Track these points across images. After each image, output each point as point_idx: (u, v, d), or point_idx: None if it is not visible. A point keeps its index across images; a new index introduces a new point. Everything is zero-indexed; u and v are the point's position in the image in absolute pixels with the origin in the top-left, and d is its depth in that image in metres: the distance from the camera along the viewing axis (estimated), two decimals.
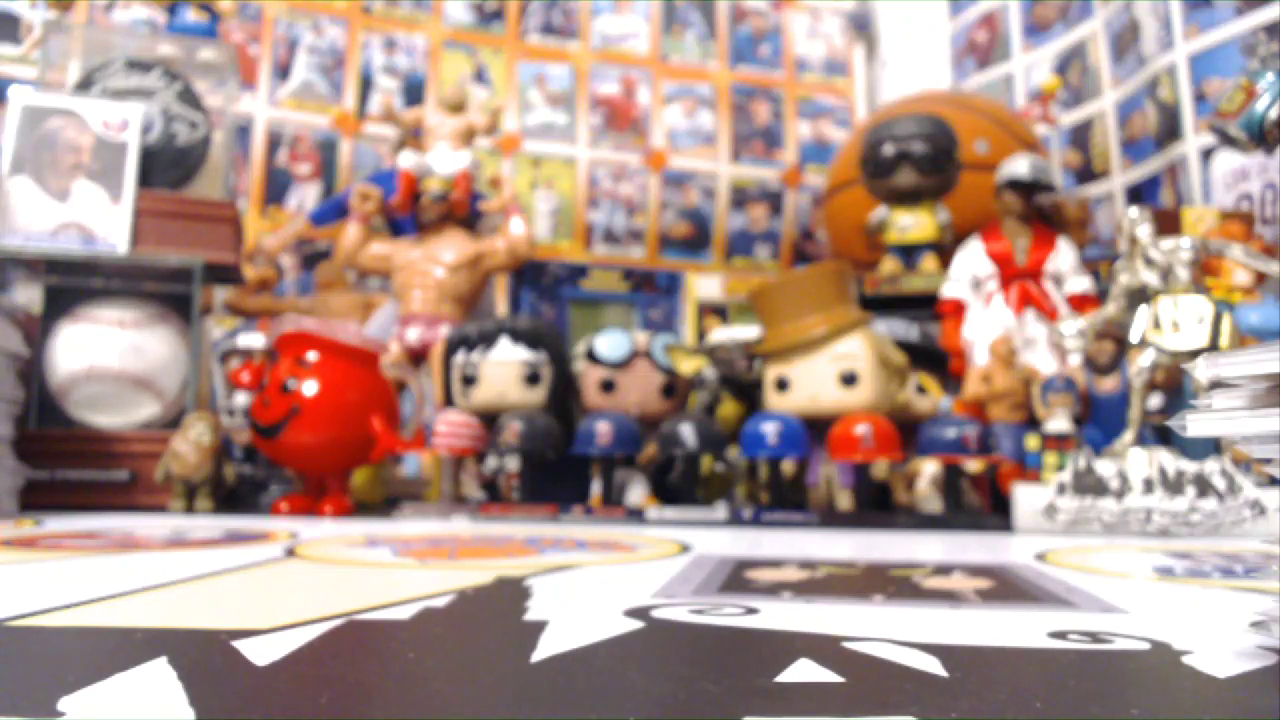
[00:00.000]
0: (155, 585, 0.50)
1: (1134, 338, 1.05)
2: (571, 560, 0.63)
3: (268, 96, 2.03)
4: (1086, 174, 2.07)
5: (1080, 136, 2.09)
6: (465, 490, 1.32)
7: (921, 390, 1.25)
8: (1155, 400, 1.27)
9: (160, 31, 1.89)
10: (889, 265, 1.73)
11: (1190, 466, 0.95)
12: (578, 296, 2.11)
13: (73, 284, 1.23)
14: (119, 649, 0.34)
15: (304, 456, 1.14)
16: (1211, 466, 0.95)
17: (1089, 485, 0.98)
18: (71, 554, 0.65)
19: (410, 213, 1.72)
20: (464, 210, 1.73)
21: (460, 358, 1.28)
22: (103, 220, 1.21)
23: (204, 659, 0.31)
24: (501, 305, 2.02)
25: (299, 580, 0.54)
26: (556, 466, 1.19)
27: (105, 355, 1.18)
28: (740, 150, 2.37)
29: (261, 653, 0.32)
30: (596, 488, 1.21)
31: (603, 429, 1.15)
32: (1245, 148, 0.96)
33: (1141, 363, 1.04)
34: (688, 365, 1.29)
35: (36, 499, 1.09)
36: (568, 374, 1.30)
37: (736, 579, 0.55)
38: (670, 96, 2.35)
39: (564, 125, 2.26)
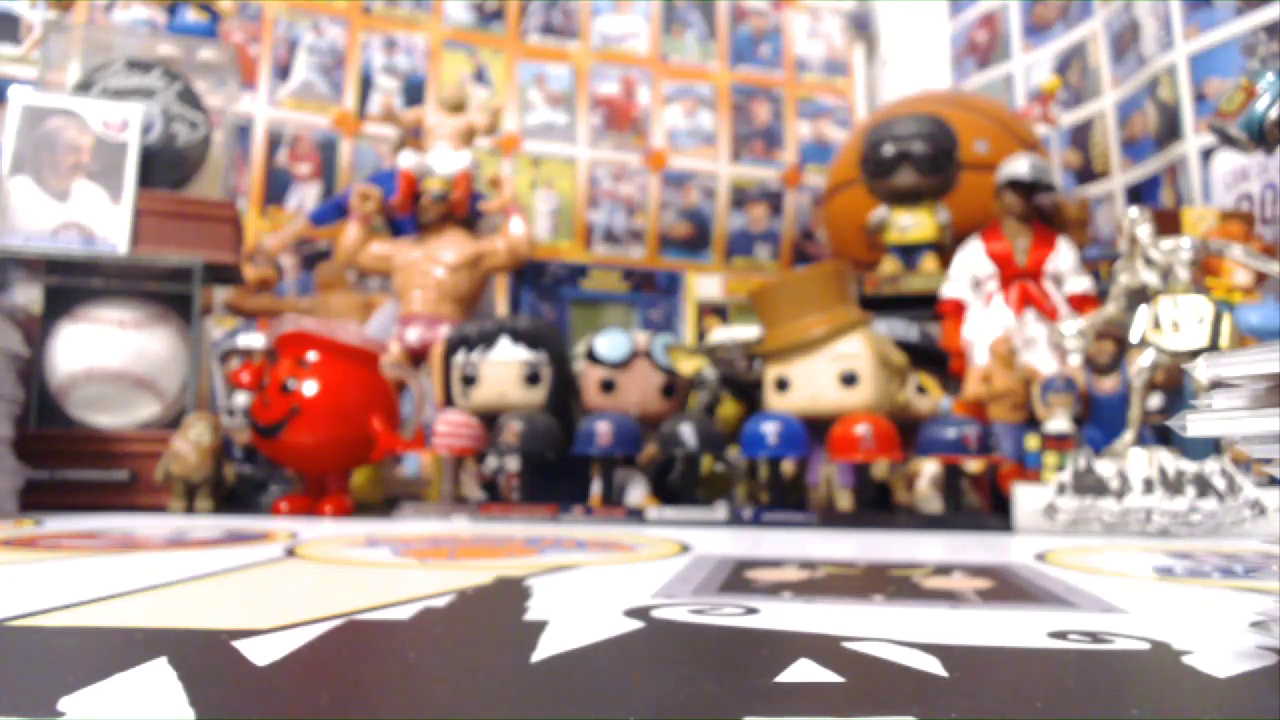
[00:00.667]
0: (155, 585, 0.50)
1: (1134, 338, 1.05)
2: (571, 560, 0.63)
3: (268, 96, 2.03)
4: (1086, 174, 2.07)
5: (1080, 136, 2.09)
6: (465, 490, 1.32)
7: (921, 390, 1.25)
8: (1155, 400, 1.27)
9: (160, 31, 1.89)
10: (889, 265, 1.73)
11: (1190, 466, 0.95)
12: (578, 296, 2.11)
13: (73, 284, 1.23)
14: (119, 649, 0.34)
15: (304, 456, 1.14)
16: (1211, 466, 0.95)
17: (1089, 485, 0.98)
18: (71, 554, 0.65)
19: (410, 213, 1.72)
20: (464, 210, 1.73)
21: (460, 358, 1.28)
22: (103, 220, 1.21)
23: (204, 659, 0.31)
24: (501, 305, 2.02)
25: (299, 580, 0.54)
26: (556, 466, 1.19)
27: (105, 355, 1.18)
28: (740, 150, 2.37)
29: (261, 653, 0.32)
30: (596, 488, 1.21)
31: (603, 429, 1.15)
32: (1245, 148, 0.96)
33: (1141, 363, 1.04)
34: (688, 365, 1.29)
35: (36, 499, 1.09)
36: (568, 374, 1.30)
37: (736, 579, 0.55)
38: (670, 96, 2.35)
39: (564, 125, 2.26)
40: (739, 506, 1.11)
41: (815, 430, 1.15)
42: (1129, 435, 1.04)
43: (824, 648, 0.34)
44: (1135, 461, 0.98)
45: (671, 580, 0.54)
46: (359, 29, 2.13)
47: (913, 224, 1.73)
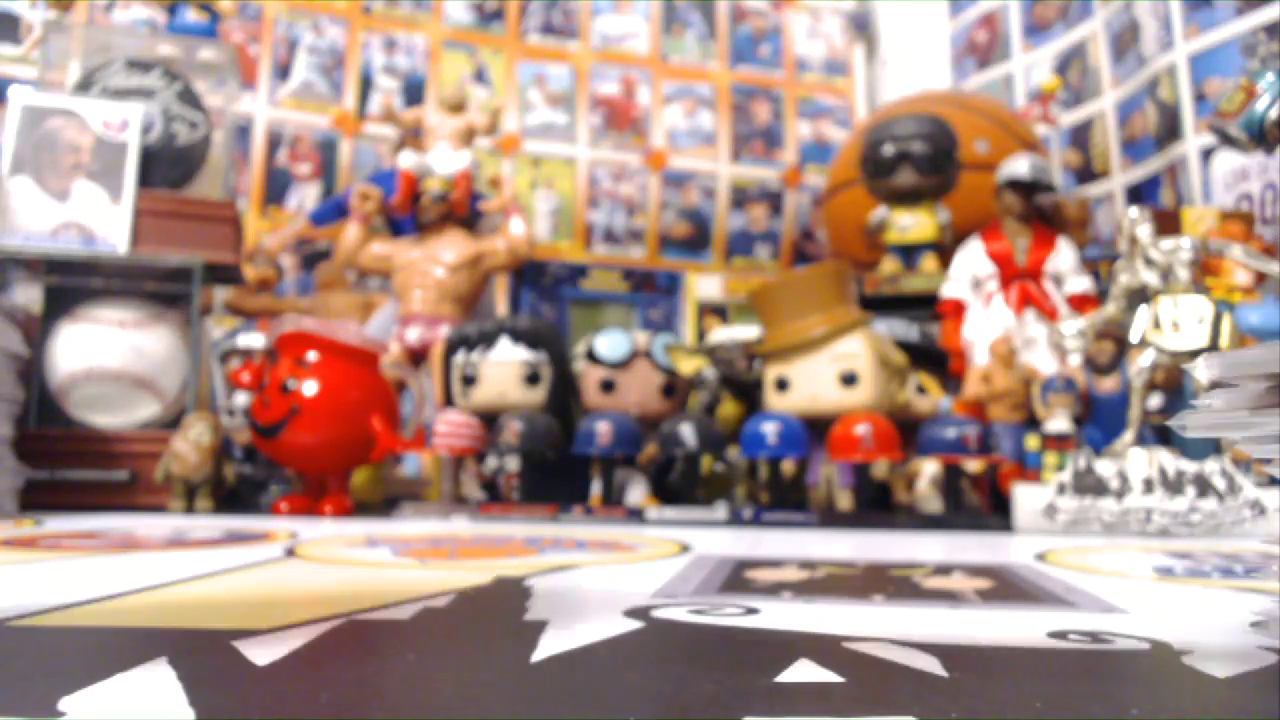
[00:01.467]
0: (155, 585, 0.50)
1: (1134, 338, 1.05)
2: (571, 560, 0.63)
3: (268, 96, 2.03)
4: (1086, 174, 2.07)
5: (1080, 136, 2.09)
6: (465, 490, 1.32)
7: (921, 390, 1.25)
8: (1155, 400, 1.27)
9: (160, 31, 1.89)
10: (889, 265, 1.73)
11: (1190, 466, 0.95)
12: (578, 296, 2.11)
13: (73, 284, 1.23)
14: (119, 649, 0.33)
15: (304, 456, 1.14)
16: (1211, 466, 0.95)
17: (1089, 485, 0.98)
18: (71, 554, 0.65)
19: (410, 213, 1.72)
20: (464, 210, 1.73)
21: (460, 358, 1.28)
22: (103, 220, 1.21)
23: (204, 659, 0.31)
24: (501, 305, 2.02)
25: (299, 580, 0.54)
26: (556, 466, 1.19)
27: (105, 355, 1.18)
28: (740, 150, 2.37)
29: (261, 653, 0.32)
30: (596, 488, 1.21)
31: (603, 429, 1.15)
32: (1245, 148, 0.96)
33: (1141, 363, 1.04)
34: (688, 365, 1.29)
35: (36, 499, 1.09)
36: (568, 374, 1.30)
37: (736, 579, 0.55)
38: (670, 96, 2.35)
39: (564, 125, 2.26)
40: (739, 506, 1.11)
41: (815, 430, 1.15)
42: (1129, 435, 1.04)
43: (824, 648, 0.34)
44: (1135, 461, 0.98)
45: (671, 580, 0.54)
46: (359, 29, 2.13)
47: (913, 224, 1.73)
